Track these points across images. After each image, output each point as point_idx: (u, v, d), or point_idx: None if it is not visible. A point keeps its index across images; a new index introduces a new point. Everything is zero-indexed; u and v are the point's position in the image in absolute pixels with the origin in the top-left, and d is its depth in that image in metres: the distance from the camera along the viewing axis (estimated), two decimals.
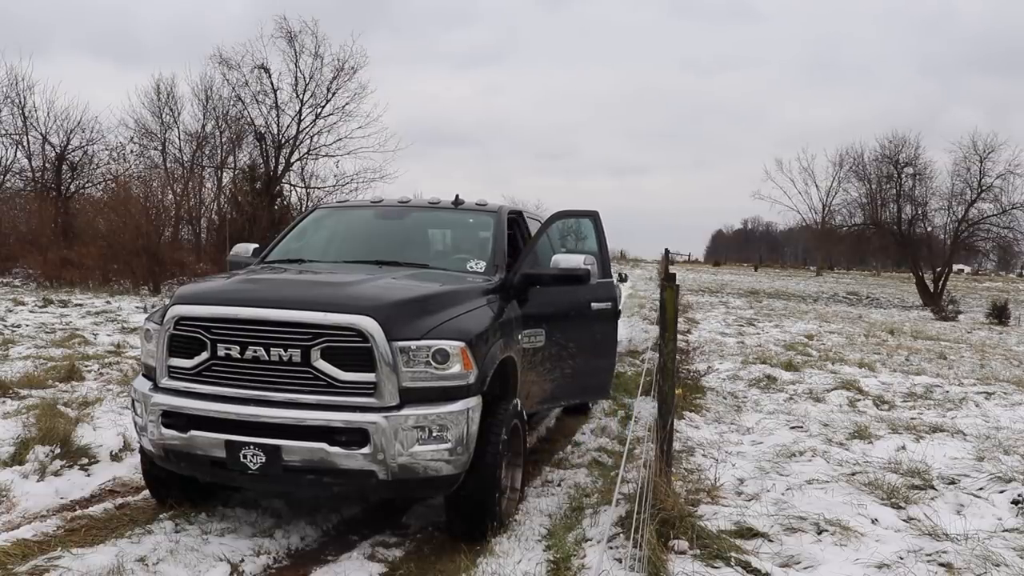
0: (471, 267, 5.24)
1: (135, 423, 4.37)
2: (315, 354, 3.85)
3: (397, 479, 3.88)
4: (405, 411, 3.86)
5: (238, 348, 3.93)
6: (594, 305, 5.87)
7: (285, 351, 3.87)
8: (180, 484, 4.55)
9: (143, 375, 4.40)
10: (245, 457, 3.87)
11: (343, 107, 30.34)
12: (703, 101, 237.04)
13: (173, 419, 4.03)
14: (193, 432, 3.98)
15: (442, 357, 3.93)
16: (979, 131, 39.38)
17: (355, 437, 3.81)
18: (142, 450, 4.48)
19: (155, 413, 4.08)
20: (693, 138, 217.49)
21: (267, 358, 3.89)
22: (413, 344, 3.89)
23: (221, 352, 3.97)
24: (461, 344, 3.99)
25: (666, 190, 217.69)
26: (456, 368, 3.97)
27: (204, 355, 4.02)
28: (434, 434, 3.90)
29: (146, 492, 4.82)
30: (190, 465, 4.14)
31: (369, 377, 3.84)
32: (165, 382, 4.13)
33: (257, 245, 5.76)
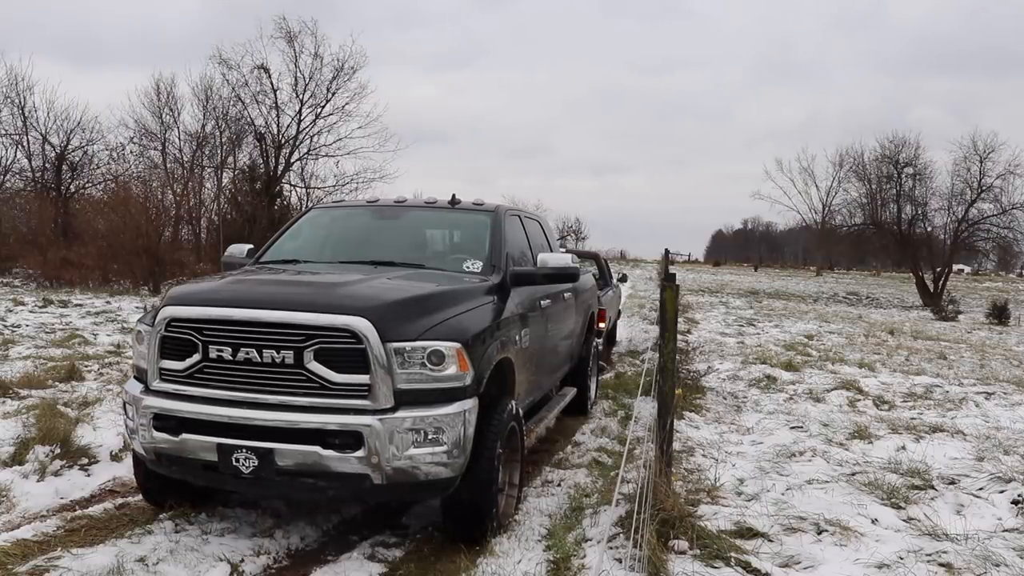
0: (468, 267, 5.20)
1: (127, 426, 4.33)
2: (308, 356, 3.80)
3: (392, 482, 3.84)
4: (400, 413, 3.81)
5: (230, 350, 3.88)
6: None
7: (278, 353, 3.82)
8: (176, 487, 4.51)
9: (135, 377, 4.36)
10: (238, 461, 3.82)
11: (343, 107, 30.46)
12: (681, 98, 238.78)
13: (164, 422, 3.99)
14: (185, 435, 3.93)
15: (437, 358, 3.88)
16: (979, 131, 39.40)
17: (349, 440, 3.76)
18: (135, 454, 4.45)
19: (146, 416, 4.03)
20: (684, 136, 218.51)
21: (259, 360, 3.84)
22: (408, 345, 3.85)
23: (213, 354, 3.92)
24: (457, 345, 3.95)
25: (652, 190, 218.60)
26: (452, 369, 3.92)
27: (196, 357, 3.97)
28: (430, 437, 3.86)
29: None
30: (182, 469, 4.10)
31: (363, 379, 3.80)
32: (156, 384, 4.08)
33: (252, 246, 5.71)
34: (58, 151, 30.22)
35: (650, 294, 26.34)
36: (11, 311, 14.24)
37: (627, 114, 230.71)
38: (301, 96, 30.18)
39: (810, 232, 64.06)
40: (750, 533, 4.37)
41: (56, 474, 5.09)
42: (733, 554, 4.02)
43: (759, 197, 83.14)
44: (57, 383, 7.66)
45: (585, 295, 7.62)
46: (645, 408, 7.27)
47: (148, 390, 4.11)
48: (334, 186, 30.53)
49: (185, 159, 31.42)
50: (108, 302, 17.05)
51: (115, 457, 5.50)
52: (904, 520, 4.69)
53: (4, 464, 5.09)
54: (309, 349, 3.80)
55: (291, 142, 30.41)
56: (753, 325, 17.91)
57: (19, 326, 12.21)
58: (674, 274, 13.18)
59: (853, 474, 5.58)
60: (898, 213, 35.28)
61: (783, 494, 5.09)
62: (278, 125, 30.25)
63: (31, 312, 14.39)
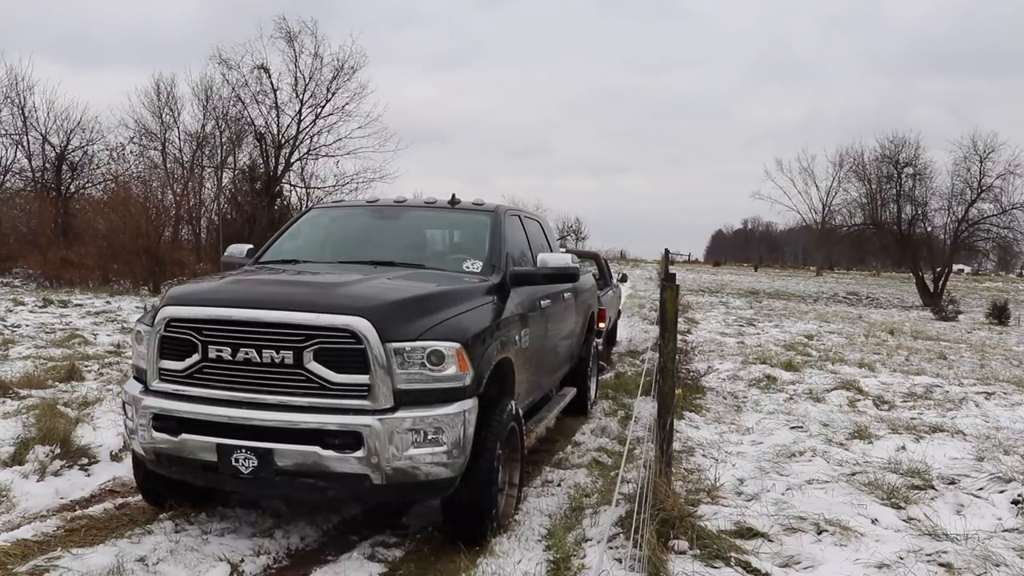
0: (467, 267, 5.20)
1: (126, 426, 4.33)
2: (308, 356, 3.80)
3: (392, 483, 3.83)
4: (400, 413, 3.80)
5: (230, 350, 3.88)
6: None
7: (277, 353, 3.81)
8: (176, 487, 4.51)
9: (134, 378, 4.35)
10: (237, 461, 3.81)
11: (343, 107, 30.48)
12: (680, 98, 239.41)
13: (164, 422, 3.98)
14: (184, 435, 3.92)
15: (437, 358, 3.88)
16: (979, 131, 39.36)
17: (348, 440, 3.75)
18: (135, 454, 4.44)
19: (146, 416, 4.02)
20: (683, 136, 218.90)
21: (259, 360, 3.83)
22: (407, 345, 3.84)
23: (212, 354, 3.92)
24: (456, 345, 3.94)
25: (651, 190, 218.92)
26: (452, 370, 3.92)
27: (195, 357, 3.96)
28: (429, 437, 3.85)
29: None
30: (181, 469, 4.09)
31: (363, 379, 3.79)
32: (156, 384, 4.07)
33: (251, 246, 5.70)
34: (58, 151, 30.24)
35: (650, 294, 26.34)
36: (11, 311, 14.24)
37: (626, 114, 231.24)
38: (301, 96, 30.22)
39: (810, 232, 64.12)
40: (750, 533, 4.37)
41: (56, 474, 5.09)
42: (733, 554, 4.02)
43: (759, 197, 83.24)
44: (57, 383, 7.66)
45: (585, 295, 7.61)
46: (645, 408, 7.27)
47: (147, 390, 4.11)
48: (334, 186, 30.57)
49: (185, 159, 31.46)
50: (108, 302, 17.05)
51: (115, 457, 5.50)
52: (904, 520, 4.69)
53: (4, 464, 5.09)
54: (309, 349, 3.80)
55: (291, 142, 30.43)
56: (753, 325, 17.91)
57: (19, 326, 12.21)
58: (674, 274, 13.18)
59: (853, 474, 5.58)
60: (898, 213, 35.28)
61: (783, 494, 5.09)
62: (278, 125, 30.30)
63: (31, 312, 14.38)
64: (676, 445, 5.31)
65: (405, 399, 3.84)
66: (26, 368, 8.36)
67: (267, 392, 3.85)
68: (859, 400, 8.61)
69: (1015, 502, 5.00)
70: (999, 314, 24.05)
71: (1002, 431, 7.28)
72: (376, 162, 44.35)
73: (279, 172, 30.03)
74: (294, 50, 29.79)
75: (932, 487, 5.31)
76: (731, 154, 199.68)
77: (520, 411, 4.85)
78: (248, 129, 30.46)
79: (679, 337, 7.30)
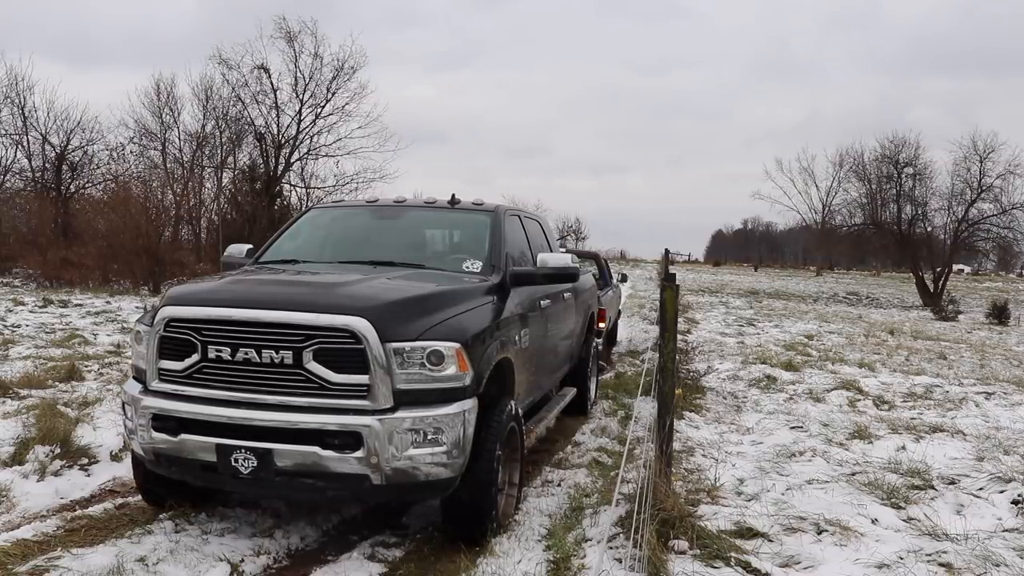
0: (467, 267, 5.19)
1: (126, 426, 4.33)
2: (307, 356, 3.79)
3: (392, 483, 3.83)
4: (399, 414, 3.80)
5: (229, 350, 3.87)
6: None
7: (277, 353, 3.81)
8: (176, 487, 4.51)
9: (133, 378, 4.35)
10: (236, 461, 3.81)
11: (343, 107, 30.50)
12: (678, 98, 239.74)
13: (163, 422, 3.98)
14: (184, 436, 3.92)
15: (437, 359, 3.87)
16: (979, 131, 39.35)
17: (348, 440, 3.75)
18: (134, 454, 4.44)
19: (145, 416, 4.02)
20: (682, 136, 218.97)
21: (258, 360, 3.83)
22: (407, 345, 3.84)
23: (212, 354, 3.91)
24: (456, 345, 3.94)
25: (651, 190, 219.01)
26: (451, 370, 3.92)
27: (195, 357, 3.96)
28: (429, 437, 3.85)
29: None
30: (181, 469, 4.09)
31: (362, 379, 3.79)
32: (155, 385, 4.07)
33: (251, 246, 5.70)
34: (58, 151, 30.25)
35: (650, 294, 26.35)
36: (11, 311, 14.24)
37: (625, 114, 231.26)
38: (301, 96, 30.24)
39: (810, 232, 64.20)
40: (750, 533, 4.37)
41: (56, 474, 5.09)
42: (733, 554, 4.02)
43: (759, 197, 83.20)
44: (57, 383, 7.66)
45: (585, 295, 7.61)
46: (645, 408, 7.27)
47: (147, 390, 4.10)
48: (334, 186, 30.59)
49: (185, 159, 31.48)
50: (108, 302, 17.05)
51: (115, 457, 5.50)
52: (904, 520, 4.69)
53: (4, 464, 5.09)
54: (308, 349, 3.80)
55: (291, 142, 30.44)
56: (753, 325, 17.92)
57: (19, 326, 12.21)
58: (674, 274, 13.18)
59: (853, 474, 5.58)
60: (898, 213, 35.29)
61: (783, 494, 5.09)
62: (278, 125, 30.32)
63: (31, 312, 14.38)
64: (676, 445, 5.31)
65: (405, 399, 3.83)
66: (26, 368, 8.36)
67: (266, 392, 3.84)
68: (859, 400, 8.61)
69: (1015, 502, 5.00)
70: (999, 314, 24.06)
71: (1002, 431, 7.28)
72: (376, 162, 44.40)
73: (279, 172, 30.04)
74: (294, 50, 29.85)
75: (932, 487, 5.31)
76: (731, 154, 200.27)
77: (520, 411, 4.84)
78: (248, 129, 30.51)
79: (679, 337, 7.31)
